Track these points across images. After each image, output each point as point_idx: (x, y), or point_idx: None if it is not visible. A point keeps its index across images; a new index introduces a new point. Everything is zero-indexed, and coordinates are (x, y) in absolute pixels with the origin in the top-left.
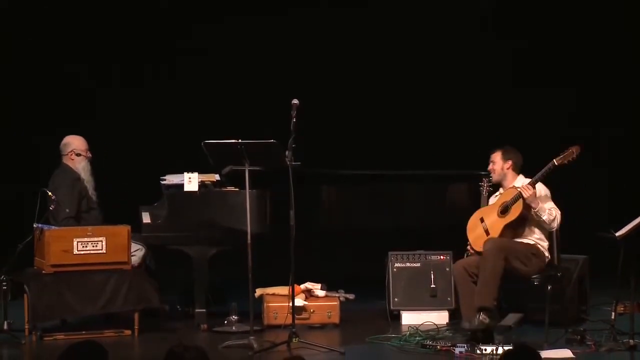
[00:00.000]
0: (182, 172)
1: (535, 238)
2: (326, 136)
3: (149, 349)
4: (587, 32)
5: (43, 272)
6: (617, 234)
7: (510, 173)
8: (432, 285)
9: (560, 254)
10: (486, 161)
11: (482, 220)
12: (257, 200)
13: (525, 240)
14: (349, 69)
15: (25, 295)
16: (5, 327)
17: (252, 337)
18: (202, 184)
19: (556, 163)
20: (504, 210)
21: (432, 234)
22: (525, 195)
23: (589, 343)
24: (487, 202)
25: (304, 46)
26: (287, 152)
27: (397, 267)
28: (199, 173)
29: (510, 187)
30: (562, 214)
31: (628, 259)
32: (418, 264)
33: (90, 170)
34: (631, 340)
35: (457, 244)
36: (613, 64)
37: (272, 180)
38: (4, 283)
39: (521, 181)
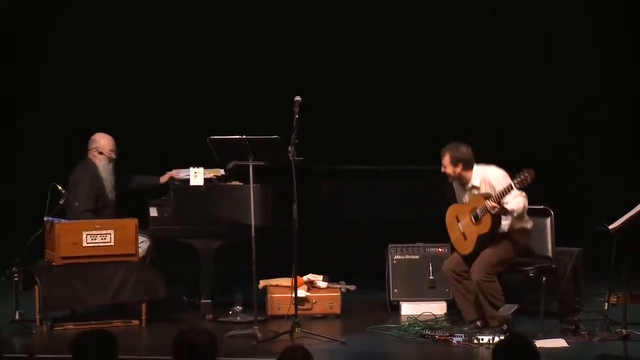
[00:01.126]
0: (188, 167)
1: (514, 224)
2: (328, 133)
3: (156, 339)
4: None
5: (53, 263)
6: (611, 227)
7: (464, 173)
8: (431, 277)
9: (555, 246)
10: (483, 157)
11: (457, 219)
12: (261, 195)
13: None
14: (350, 69)
15: (36, 287)
16: (17, 317)
17: (256, 327)
18: (207, 179)
19: (514, 187)
20: (476, 217)
21: (430, 227)
22: (493, 213)
23: (583, 333)
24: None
25: (304, 46)
26: (290, 148)
27: (396, 259)
28: (204, 168)
29: (478, 195)
30: (558, 209)
31: (621, 251)
32: (417, 256)
33: (110, 170)
34: (624, 330)
35: None
36: (611, 62)
37: (275, 175)
38: (16, 274)
39: (479, 174)
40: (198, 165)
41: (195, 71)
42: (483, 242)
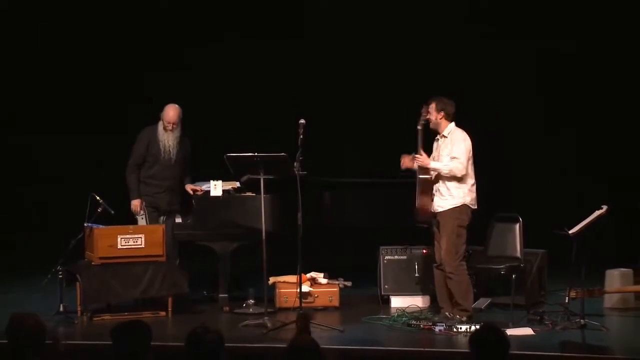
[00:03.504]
0: (208, 180)
1: (453, 200)
2: (328, 149)
3: (180, 328)
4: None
5: (92, 263)
6: (570, 231)
7: (443, 122)
8: (417, 275)
9: (523, 248)
10: None
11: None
12: (271, 204)
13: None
14: (349, 94)
15: (77, 283)
16: (61, 309)
17: (266, 318)
18: (225, 190)
19: (419, 128)
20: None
21: (416, 231)
22: (419, 162)
23: (547, 323)
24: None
25: (308, 71)
26: (295, 164)
27: (387, 259)
28: (222, 181)
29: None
30: (526, 216)
31: (579, 252)
32: (405, 257)
33: (168, 136)
34: (582, 320)
35: None
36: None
37: (282, 187)
38: (60, 273)
39: (451, 128)
40: (217, 179)
41: (214, 96)
42: (424, 191)
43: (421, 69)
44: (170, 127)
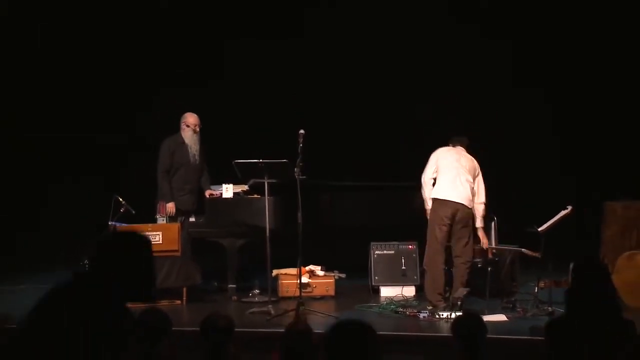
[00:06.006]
0: (221, 184)
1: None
2: (325, 156)
3: (194, 315)
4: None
5: None
6: (540, 229)
7: None
8: (403, 267)
9: (498, 244)
10: None
11: None
12: (274, 205)
13: None
14: (344, 106)
15: None
16: None
17: (270, 306)
18: (236, 192)
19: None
20: None
21: (402, 229)
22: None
23: (519, 310)
24: None
25: (308, 71)
26: (295, 169)
27: (377, 254)
28: (233, 184)
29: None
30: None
31: (548, 247)
32: (392, 251)
33: (195, 139)
34: (550, 308)
35: (420, 236)
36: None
37: (284, 189)
38: (87, 266)
39: None
40: (228, 182)
41: (220, 106)
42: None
43: (420, 69)
44: (198, 129)
